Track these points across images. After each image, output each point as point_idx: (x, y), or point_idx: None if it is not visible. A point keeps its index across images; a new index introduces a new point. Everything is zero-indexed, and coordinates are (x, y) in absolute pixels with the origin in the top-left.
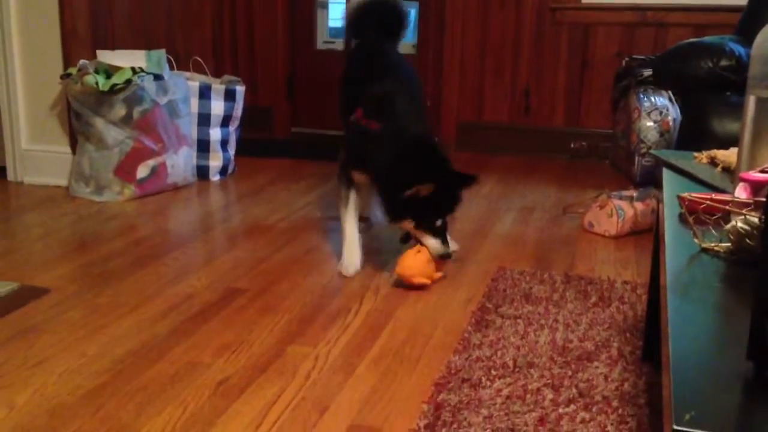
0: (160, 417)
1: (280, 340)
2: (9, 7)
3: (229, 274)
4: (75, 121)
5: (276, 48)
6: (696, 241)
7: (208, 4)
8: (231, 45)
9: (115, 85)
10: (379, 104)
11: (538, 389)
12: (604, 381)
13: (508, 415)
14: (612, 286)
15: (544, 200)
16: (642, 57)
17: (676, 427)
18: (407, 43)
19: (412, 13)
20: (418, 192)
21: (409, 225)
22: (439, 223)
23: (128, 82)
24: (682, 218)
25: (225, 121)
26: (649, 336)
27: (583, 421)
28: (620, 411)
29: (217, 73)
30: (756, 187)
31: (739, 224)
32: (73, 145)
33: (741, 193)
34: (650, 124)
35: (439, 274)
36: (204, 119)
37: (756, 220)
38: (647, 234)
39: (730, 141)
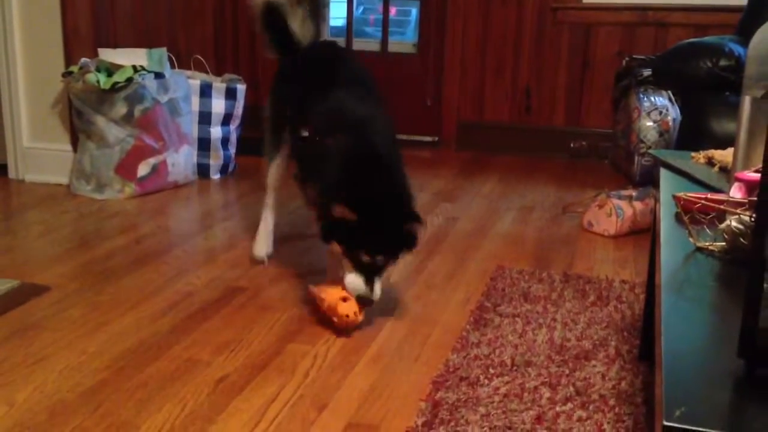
0: (159, 414)
1: (280, 338)
2: (11, 5)
3: (229, 273)
4: (76, 119)
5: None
6: (691, 240)
7: (210, 2)
8: (232, 43)
9: (117, 83)
10: (332, 117)
11: (536, 388)
12: (602, 379)
13: (505, 413)
14: (610, 286)
15: (543, 199)
16: (642, 57)
17: (666, 423)
18: (408, 42)
19: (413, 12)
20: (342, 214)
21: (337, 249)
22: (369, 259)
23: (129, 80)
24: (677, 217)
25: (226, 120)
26: (646, 335)
27: (580, 419)
28: (617, 409)
29: (218, 72)
30: (751, 186)
31: (734, 223)
32: (75, 143)
33: (736, 192)
34: (650, 123)
35: (353, 316)
36: (205, 118)
37: (749, 219)
38: (646, 233)
39: (729, 141)
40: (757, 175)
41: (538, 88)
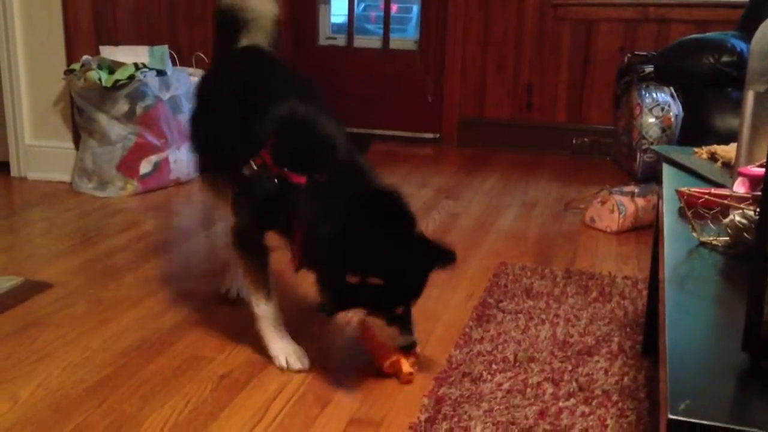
0: (162, 410)
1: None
2: (12, 2)
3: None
4: (78, 116)
5: (278, 44)
6: (694, 235)
7: None
8: None
9: (118, 80)
10: (295, 145)
11: (539, 383)
12: (605, 375)
13: (508, 408)
14: (613, 282)
15: (545, 196)
16: (644, 53)
17: (671, 417)
18: (409, 38)
19: (415, 9)
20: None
21: (359, 313)
22: (401, 310)
23: (131, 77)
24: (680, 212)
25: None
26: (649, 331)
27: (582, 414)
28: (620, 405)
29: None
30: (754, 181)
31: (737, 218)
32: (76, 140)
33: (739, 187)
34: (652, 120)
35: (413, 369)
36: None
37: (753, 213)
38: (648, 230)
39: (731, 137)
40: (761, 170)
41: (540, 84)
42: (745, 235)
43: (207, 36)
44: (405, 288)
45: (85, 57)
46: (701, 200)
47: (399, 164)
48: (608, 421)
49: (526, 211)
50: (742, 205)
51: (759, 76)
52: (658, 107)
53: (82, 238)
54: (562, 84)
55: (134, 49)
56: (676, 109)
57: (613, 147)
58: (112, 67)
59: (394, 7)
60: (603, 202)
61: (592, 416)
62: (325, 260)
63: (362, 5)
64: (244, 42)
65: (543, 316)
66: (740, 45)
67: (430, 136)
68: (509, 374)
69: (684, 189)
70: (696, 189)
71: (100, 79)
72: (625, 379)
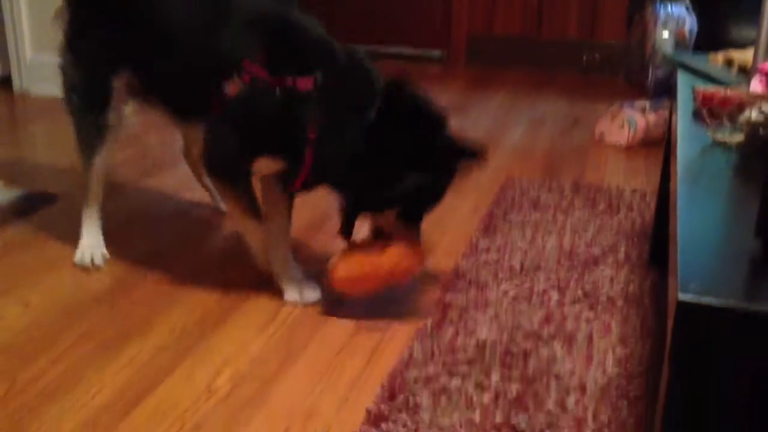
0: (171, 316)
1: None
2: None
3: None
4: None
5: None
6: (709, 134)
7: None
8: None
9: None
10: (293, 47)
11: (544, 291)
12: (610, 283)
13: (514, 314)
14: (621, 195)
15: (555, 112)
16: None
17: (681, 298)
18: None
19: None
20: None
21: (388, 217)
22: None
23: None
24: (695, 113)
25: None
26: (656, 241)
27: (587, 320)
28: (625, 310)
29: None
30: None
31: (754, 114)
32: None
33: (756, 86)
34: (666, 34)
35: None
36: None
37: None
38: (659, 146)
39: (746, 47)
40: None
41: None
42: (761, 131)
43: None
44: (439, 189)
45: None
46: (717, 98)
47: None
48: (612, 326)
49: (535, 128)
50: (759, 102)
51: None
52: (673, 21)
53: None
54: None
55: None
56: (690, 23)
57: (625, 63)
58: None
59: None
60: (613, 117)
61: (596, 321)
62: (363, 173)
63: None
64: None
65: (550, 228)
66: None
67: (436, 53)
68: (515, 282)
69: (700, 87)
70: (712, 87)
71: None
72: (631, 286)
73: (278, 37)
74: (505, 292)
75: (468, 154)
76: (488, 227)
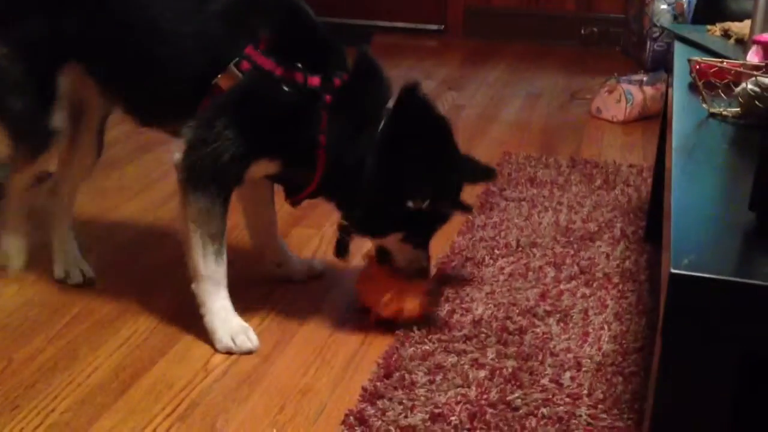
0: (164, 296)
1: (286, 222)
2: None
3: None
4: None
5: None
6: (704, 106)
7: None
8: None
9: None
10: (304, 37)
11: (540, 267)
12: (606, 259)
13: (510, 291)
14: (617, 170)
15: (551, 87)
16: None
17: (674, 271)
18: None
19: None
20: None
21: (393, 239)
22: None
23: None
24: (691, 85)
25: None
26: (652, 216)
27: (583, 296)
28: (620, 287)
29: None
30: None
31: (750, 86)
32: None
33: (753, 57)
34: (664, 6)
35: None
36: None
37: (767, 80)
38: (656, 120)
39: (745, 18)
40: None
41: None
42: (757, 103)
43: None
44: (448, 210)
45: None
46: (713, 70)
47: (402, 57)
48: (608, 302)
49: (532, 102)
50: (755, 73)
51: None
52: None
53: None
54: None
55: None
56: None
57: (623, 36)
58: None
59: None
60: (610, 92)
61: (592, 297)
62: (374, 183)
63: None
64: None
65: (546, 204)
66: None
67: (433, 27)
68: (511, 259)
69: (696, 58)
70: (708, 59)
71: None
72: (627, 262)
73: (286, 21)
74: (501, 269)
75: (479, 176)
76: (484, 204)
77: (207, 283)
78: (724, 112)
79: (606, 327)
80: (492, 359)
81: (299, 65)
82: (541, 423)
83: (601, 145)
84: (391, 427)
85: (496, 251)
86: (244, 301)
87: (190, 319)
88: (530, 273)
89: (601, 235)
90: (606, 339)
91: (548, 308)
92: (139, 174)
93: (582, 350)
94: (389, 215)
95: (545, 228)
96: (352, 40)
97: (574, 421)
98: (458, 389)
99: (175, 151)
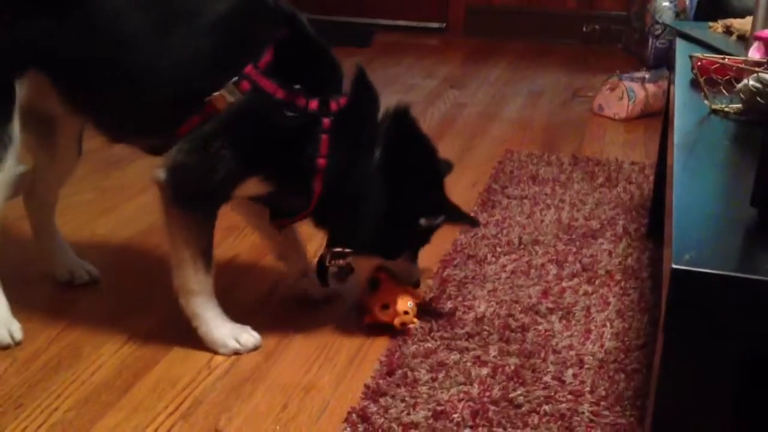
0: (167, 294)
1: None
2: None
3: None
4: None
5: None
6: (706, 102)
7: None
8: None
9: None
10: (303, 57)
11: (543, 265)
12: (608, 256)
13: (512, 288)
14: (620, 167)
15: (553, 85)
16: None
17: (675, 266)
18: None
19: None
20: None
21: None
22: None
23: None
24: (693, 82)
25: None
26: (654, 214)
27: (585, 293)
28: (623, 284)
29: None
30: None
31: (751, 83)
32: None
33: (754, 54)
34: (666, 3)
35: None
36: None
37: None
38: (658, 117)
39: (748, 15)
40: None
41: None
42: (759, 99)
43: None
44: (461, 221)
45: None
46: (715, 67)
47: (404, 55)
48: (610, 299)
49: (533, 100)
50: (757, 69)
51: None
52: None
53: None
54: None
55: None
56: None
57: (625, 34)
58: None
59: None
60: (612, 89)
61: (594, 295)
62: (387, 204)
63: None
64: None
65: (548, 201)
66: None
67: (435, 25)
68: (513, 256)
69: (698, 55)
70: (710, 55)
71: None
72: (629, 259)
73: (286, 38)
74: (504, 267)
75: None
76: (486, 202)
77: (198, 297)
78: (726, 109)
79: (608, 324)
80: (494, 356)
81: (300, 87)
82: (544, 420)
83: (603, 142)
84: (394, 425)
85: (499, 249)
86: (246, 300)
87: None
88: (532, 270)
89: (603, 232)
90: (608, 336)
91: (550, 305)
92: (140, 173)
93: (584, 347)
94: (402, 235)
95: (547, 225)
96: (353, 40)
97: (576, 418)
98: (461, 386)
99: (157, 168)
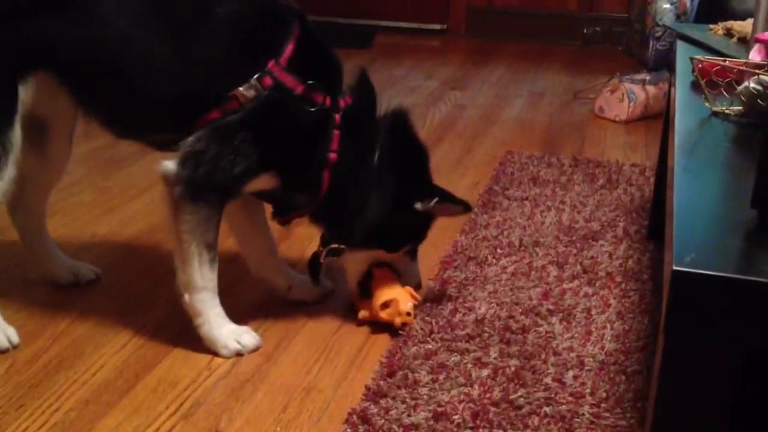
0: (168, 296)
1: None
2: None
3: None
4: None
5: None
6: (707, 104)
7: None
8: None
9: None
10: (318, 55)
11: (543, 266)
12: (609, 258)
13: (513, 290)
14: (620, 169)
15: (554, 86)
16: None
17: (676, 268)
18: None
19: None
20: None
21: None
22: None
23: None
24: (694, 84)
25: None
26: (655, 215)
27: (586, 295)
28: (623, 286)
29: None
30: None
31: (752, 85)
32: None
33: (755, 56)
34: (667, 6)
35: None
36: None
37: None
38: (658, 119)
39: (749, 17)
40: None
41: None
42: (760, 102)
43: None
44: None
45: None
46: (716, 69)
47: (405, 56)
48: (611, 301)
49: (534, 102)
50: (758, 71)
51: None
52: None
53: (83, 128)
54: None
55: None
56: None
57: (626, 35)
58: None
59: None
60: (612, 91)
61: (595, 297)
62: (393, 191)
63: None
64: None
65: (549, 203)
66: None
67: (436, 26)
68: (514, 258)
69: (699, 57)
70: (711, 58)
71: None
72: (630, 261)
73: (300, 35)
74: (504, 268)
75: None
76: (487, 203)
77: (202, 293)
78: (727, 111)
79: (609, 326)
80: (495, 358)
81: (315, 83)
82: (544, 422)
83: (603, 144)
84: (394, 426)
85: (499, 250)
86: (246, 301)
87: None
88: (533, 272)
89: (603, 234)
90: (609, 338)
91: (551, 307)
92: (143, 173)
93: (585, 349)
94: (401, 224)
95: (548, 227)
96: (354, 41)
97: (576, 419)
98: (461, 388)
99: (166, 161)
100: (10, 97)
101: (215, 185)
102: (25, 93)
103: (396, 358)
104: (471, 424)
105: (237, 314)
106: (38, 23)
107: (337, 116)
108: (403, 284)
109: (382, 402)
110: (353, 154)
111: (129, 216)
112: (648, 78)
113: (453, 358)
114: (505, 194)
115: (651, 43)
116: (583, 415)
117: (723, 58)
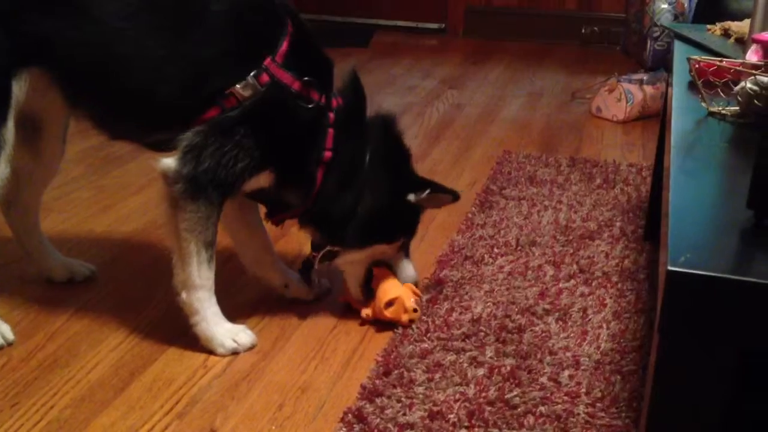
0: (164, 294)
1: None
2: None
3: None
4: None
5: None
6: (703, 105)
7: None
8: None
9: None
10: (310, 53)
11: (540, 266)
12: (605, 258)
13: (509, 289)
14: (617, 169)
15: (552, 86)
16: None
17: (671, 269)
18: None
19: None
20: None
21: (394, 249)
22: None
23: None
24: (691, 84)
25: None
26: (651, 215)
27: (582, 295)
28: (619, 286)
29: None
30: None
31: (749, 85)
32: None
33: (752, 56)
34: (664, 6)
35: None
36: None
37: (766, 79)
38: (656, 119)
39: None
40: None
41: None
42: (756, 102)
43: None
44: (447, 193)
45: None
46: (713, 69)
47: (402, 56)
48: (607, 301)
49: (532, 101)
50: (754, 72)
51: None
52: None
53: (78, 127)
54: None
55: None
56: None
57: (623, 35)
58: None
59: None
60: (610, 91)
61: (591, 296)
62: (386, 183)
63: None
64: None
65: (546, 203)
66: None
67: (434, 26)
68: (510, 258)
69: (696, 57)
70: (708, 58)
71: None
72: (626, 261)
73: (295, 33)
74: (501, 268)
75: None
76: (484, 203)
77: (200, 292)
78: (723, 111)
79: (605, 326)
80: (491, 357)
81: (310, 80)
82: (540, 421)
83: (601, 144)
84: (390, 425)
85: (496, 250)
86: (242, 300)
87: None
88: (529, 272)
89: (600, 234)
90: (605, 337)
91: (547, 307)
92: (140, 171)
93: (581, 349)
94: (394, 216)
95: (545, 227)
96: (352, 40)
97: (572, 419)
98: (457, 387)
99: (165, 159)
100: (3, 94)
101: (217, 182)
102: (19, 91)
103: (391, 357)
104: (466, 423)
105: (233, 313)
106: (32, 21)
107: (331, 115)
108: (400, 282)
109: (378, 401)
110: (346, 153)
111: (125, 214)
112: (645, 78)
113: (449, 357)
114: (502, 194)
115: (649, 43)
116: (579, 414)
117: (720, 59)
